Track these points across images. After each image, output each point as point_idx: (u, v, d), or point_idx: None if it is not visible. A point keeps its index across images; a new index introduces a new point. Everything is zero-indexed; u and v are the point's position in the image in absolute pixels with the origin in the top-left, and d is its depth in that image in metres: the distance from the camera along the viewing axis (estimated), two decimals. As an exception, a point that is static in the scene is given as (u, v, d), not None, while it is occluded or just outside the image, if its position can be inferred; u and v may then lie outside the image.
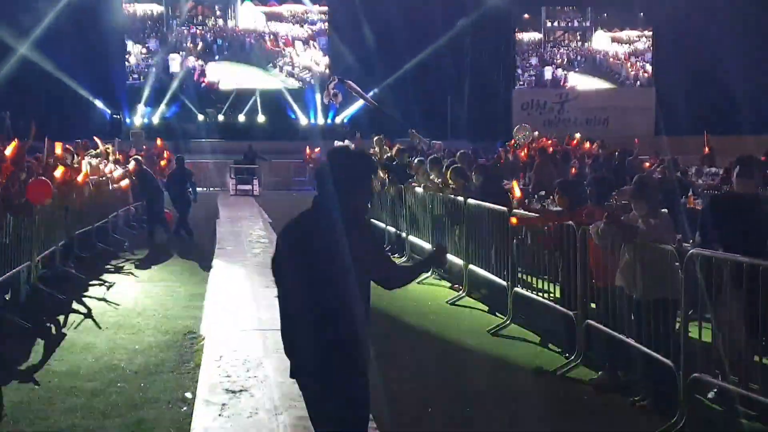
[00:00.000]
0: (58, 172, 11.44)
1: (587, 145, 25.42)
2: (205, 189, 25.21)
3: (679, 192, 11.42)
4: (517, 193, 9.12)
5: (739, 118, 27.32)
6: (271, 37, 35.68)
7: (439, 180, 11.78)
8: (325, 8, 35.61)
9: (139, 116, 32.65)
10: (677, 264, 5.85)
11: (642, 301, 6.27)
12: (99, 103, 31.71)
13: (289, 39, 35.69)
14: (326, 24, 35.69)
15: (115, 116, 30.57)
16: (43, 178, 9.72)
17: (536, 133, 24.23)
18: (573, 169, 19.41)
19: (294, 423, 5.92)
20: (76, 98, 29.80)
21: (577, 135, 26.70)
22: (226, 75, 34.89)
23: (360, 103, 31.25)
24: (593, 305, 7.25)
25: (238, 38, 35.47)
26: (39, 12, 28.47)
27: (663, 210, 6.48)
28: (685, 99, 30.34)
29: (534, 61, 37.73)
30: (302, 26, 35.83)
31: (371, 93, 30.92)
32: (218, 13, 35.36)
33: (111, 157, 17.04)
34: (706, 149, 24.20)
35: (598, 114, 36.56)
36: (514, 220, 7.97)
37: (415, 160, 13.98)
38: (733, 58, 29.26)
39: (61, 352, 7.90)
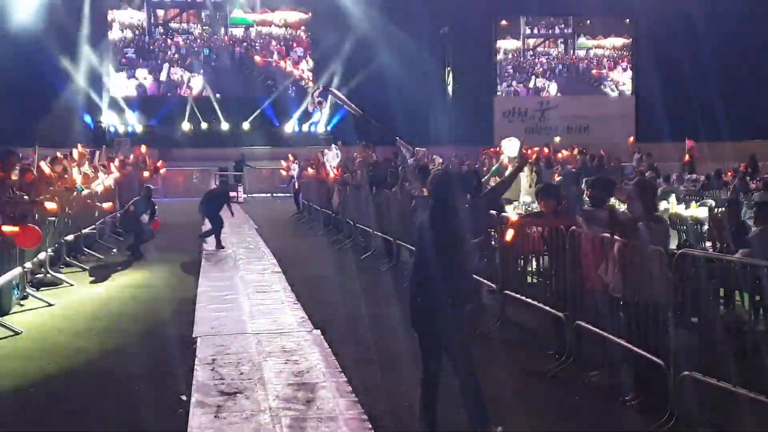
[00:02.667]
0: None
1: (564, 152, 25.72)
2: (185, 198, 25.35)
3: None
4: (513, 217, 9.11)
5: (717, 126, 27.65)
6: (259, 45, 35.71)
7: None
8: (309, 15, 35.69)
9: (123, 124, 32.55)
10: (666, 264, 5.98)
11: (632, 301, 6.40)
12: (82, 112, 31.59)
13: (275, 47, 35.74)
14: (309, 32, 35.77)
15: (99, 124, 30.47)
16: (34, 226, 9.68)
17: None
18: (555, 175, 19.67)
19: (290, 424, 5.98)
20: (59, 106, 29.67)
21: (557, 139, 26.97)
22: (210, 83, 34.85)
23: (344, 109, 31.32)
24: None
25: (227, 47, 35.46)
26: (21, 17, 28.36)
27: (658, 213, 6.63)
28: (665, 106, 30.67)
29: (511, 69, 38.02)
30: (287, 33, 35.88)
31: (354, 101, 30.98)
32: (204, 20, 35.32)
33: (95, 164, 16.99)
34: (687, 157, 24.56)
35: (578, 121, 36.88)
36: (509, 234, 8.03)
37: (401, 168, 14.19)
38: (712, 65, 29.66)
39: (53, 357, 7.90)
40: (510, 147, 11.28)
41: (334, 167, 18.93)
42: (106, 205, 15.41)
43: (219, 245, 15.51)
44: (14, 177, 10.47)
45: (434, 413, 5.50)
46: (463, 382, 5.44)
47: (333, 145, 22.16)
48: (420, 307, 5.48)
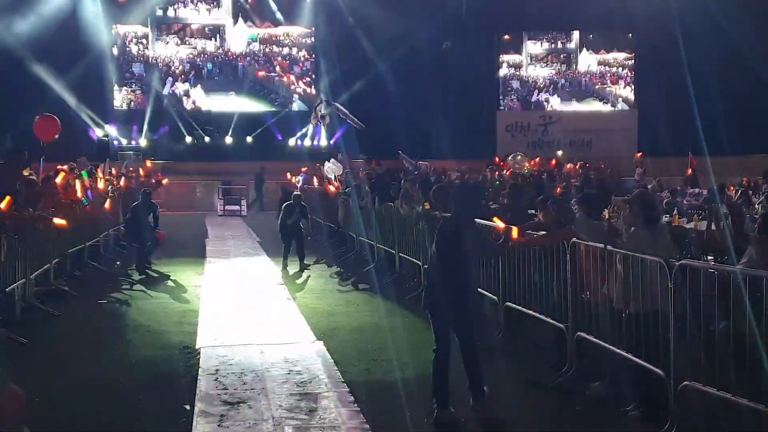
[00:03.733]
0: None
1: (569, 165, 25.79)
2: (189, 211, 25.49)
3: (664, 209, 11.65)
4: (501, 224, 9.14)
5: (720, 140, 27.70)
6: (262, 59, 35.89)
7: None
8: (311, 30, 35.85)
9: (127, 138, 32.70)
10: (665, 275, 6.02)
11: (632, 312, 6.44)
12: (89, 125, 31.73)
13: (279, 62, 35.91)
14: (312, 46, 35.93)
15: (103, 138, 30.62)
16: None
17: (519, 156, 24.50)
18: (558, 189, 19.71)
19: (294, 433, 6.05)
20: (64, 119, 29.77)
21: (559, 152, 27.04)
22: (214, 98, 34.99)
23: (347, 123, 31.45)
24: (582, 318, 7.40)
25: (230, 62, 35.62)
26: (29, 30, 28.55)
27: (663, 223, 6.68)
28: (667, 120, 30.73)
29: (516, 84, 38.15)
30: (290, 48, 36.06)
31: (356, 115, 31.13)
32: (207, 33, 35.48)
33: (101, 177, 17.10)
34: (689, 170, 24.58)
35: (581, 136, 36.96)
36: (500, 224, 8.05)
37: (403, 181, 14.30)
38: (715, 79, 29.74)
39: (57, 367, 7.95)
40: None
41: (334, 180, 19.00)
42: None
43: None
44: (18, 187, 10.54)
45: (446, 388, 6.49)
46: (467, 352, 6.56)
47: (332, 159, 22.23)
48: (438, 295, 6.57)
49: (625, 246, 6.67)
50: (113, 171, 19.05)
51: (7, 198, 9.32)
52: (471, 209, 7.01)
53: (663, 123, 30.76)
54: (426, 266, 11.56)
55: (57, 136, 11.49)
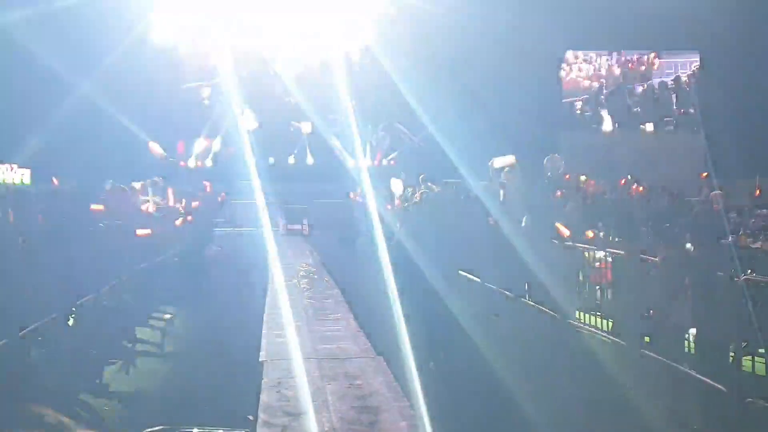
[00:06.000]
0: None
1: (633, 186, 25.38)
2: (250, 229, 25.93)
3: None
4: (566, 232, 9.25)
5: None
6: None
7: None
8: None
9: (193, 158, 33.39)
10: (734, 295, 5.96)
11: (697, 330, 6.38)
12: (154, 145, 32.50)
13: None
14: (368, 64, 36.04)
15: (170, 159, 31.33)
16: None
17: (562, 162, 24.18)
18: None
19: (354, 444, 6.13)
20: (132, 140, 30.60)
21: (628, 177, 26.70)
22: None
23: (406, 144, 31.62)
24: (647, 339, 7.34)
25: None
26: (97, 52, 29.43)
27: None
28: (734, 141, 30.09)
29: (579, 104, 37.75)
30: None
31: (417, 135, 31.28)
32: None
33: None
34: (758, 191, 23.98)
35: (645, 156, 36.34)
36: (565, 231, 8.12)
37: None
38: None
39: (126, 377, 8.19)
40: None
41: (396, 197, 19.18)
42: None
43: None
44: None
45: None
46: None
47: (397, 179, 22.37)
48: None
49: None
50: (207, 188, 19.62)
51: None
52: None
53: (730, 144, 30.16)
54: (486, 283, 11.62)
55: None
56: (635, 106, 37.52)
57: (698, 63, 37.40)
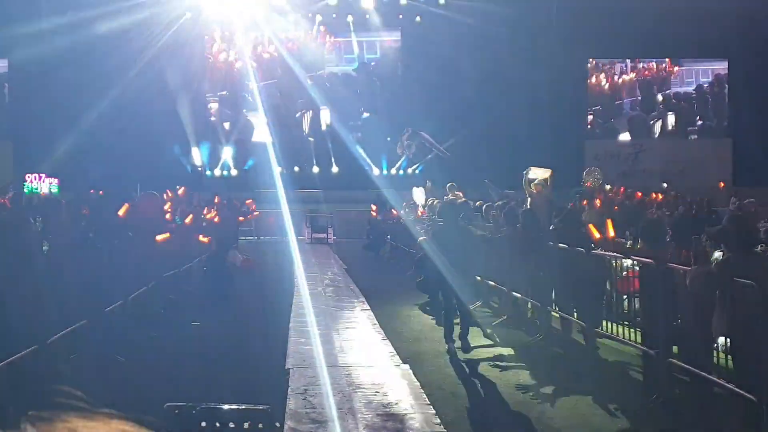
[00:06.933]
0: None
1: (656, 196, 25.22)
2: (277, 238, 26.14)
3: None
4: (596, 234, 9.25)
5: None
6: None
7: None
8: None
9: (219, 168, 33.67)
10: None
11: (727, 338, 6.31)
12: (181, 156, 32.85)
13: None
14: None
15: (198, 168, 31.62)
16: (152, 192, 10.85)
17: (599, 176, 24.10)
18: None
19: (380, 451, 6.12)
20: (159, 150, 30.95)
21: (665, 184, 26.71)
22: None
23: (431, 152, 31.61)
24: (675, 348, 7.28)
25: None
26: (125, 62, 29.86)
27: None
28: (763, 149, 29.80)
29: (605, 111, 37.55)
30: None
31: (444, 144, 31.29)
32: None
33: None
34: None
35: (673, 165, 36.06)
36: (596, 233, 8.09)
37: (485, 205, 14.66)
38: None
39: (152, 385, 8.24)
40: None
41: (420, 206, 19.22)
42: (204, 239, 15.96)
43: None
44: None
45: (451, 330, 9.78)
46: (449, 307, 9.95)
47: (419, 187, 22.41)
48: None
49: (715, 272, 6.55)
50: (216, 199, 19.77)
51: (125, 205, 9.97)
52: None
53: (759, 151, 29.86)
54: (513, 292, 11.58)
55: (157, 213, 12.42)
56: (659, 116, 37.29)
57: (725, 70, 37.13)
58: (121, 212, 10.15)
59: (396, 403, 7.41)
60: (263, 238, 26.97)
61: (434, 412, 7.13)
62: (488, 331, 10.60)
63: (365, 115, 35.43)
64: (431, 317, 12.29)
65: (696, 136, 37.40)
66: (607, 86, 37.45)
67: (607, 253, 8.76)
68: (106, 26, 29.55)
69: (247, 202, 24.47)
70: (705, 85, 37.36)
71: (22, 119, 31.19)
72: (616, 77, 37.53)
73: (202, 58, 34.43)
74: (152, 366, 9.17)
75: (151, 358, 9.61)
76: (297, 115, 35.29)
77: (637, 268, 8.17)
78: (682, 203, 21.29)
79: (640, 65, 37.52)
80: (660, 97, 37.31)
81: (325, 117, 34.67)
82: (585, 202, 19.76)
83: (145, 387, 8.09)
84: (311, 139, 35.01)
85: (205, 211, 17.14)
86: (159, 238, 11.31)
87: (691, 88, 37.47)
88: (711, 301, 6.59)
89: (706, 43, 34.04)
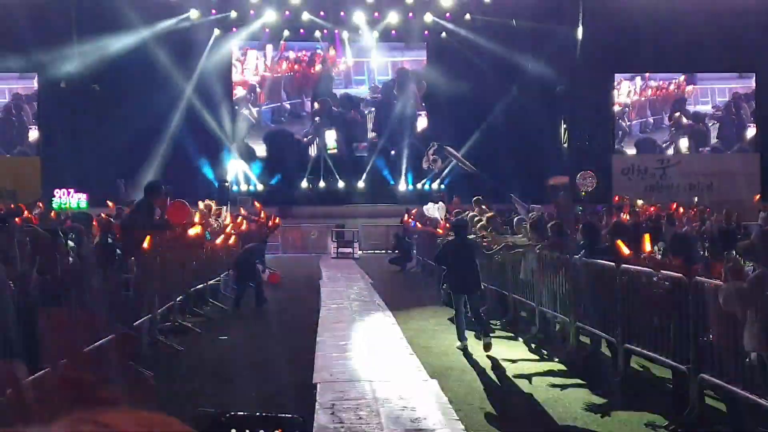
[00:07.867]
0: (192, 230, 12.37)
1: (681, 210, 25.02)
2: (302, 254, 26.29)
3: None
4: (625, 251, 9.14)
5: None
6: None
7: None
8: (423, 86, 35.91)
9: (246, 183, 33.86)
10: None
11: (760, 354, 6.21)
12: (207, 170, 33.11)
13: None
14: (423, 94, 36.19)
15: (224, 183, 31.79)
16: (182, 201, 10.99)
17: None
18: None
19: (408, 466, 6.08)
20: (185, 165, 31.23)
21: (695, 198, 26.59)
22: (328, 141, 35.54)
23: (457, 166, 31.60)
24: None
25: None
26: (152, 79, 30.21)
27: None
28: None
29: (634, 126, 37.33)
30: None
31: (468, 158, 31.26)
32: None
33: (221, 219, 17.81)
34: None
35: (701, 179, 35.73)
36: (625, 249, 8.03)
37: (516, 218, 14.66)
38: None
39: (179, 400, 8.26)
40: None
41: (440, 220, 19.25)
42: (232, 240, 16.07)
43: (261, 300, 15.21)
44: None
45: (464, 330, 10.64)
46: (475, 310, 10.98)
47: (434, 203, 22.55)
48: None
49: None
50: (242, 211, 19.92)
51: (148, 238, 10.01)
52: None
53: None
54: (541, 307, 11.51)
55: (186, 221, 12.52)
56: (683, 133, 37.03)
57: (743, 89, 36.86)
58: (145, 244, 10.18)
59: (424, 418, 7.37)
60: (289, 254, 27.06)
61: (463, 427, 7.08)
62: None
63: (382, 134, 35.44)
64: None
65: (731, 149, 37.10)
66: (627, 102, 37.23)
67: (637, 267, 8.66)
68: (134, 44, 29.98)
69: (273, 219, 24.49)
70: (721, 106, 37.08)
71: (50, 135, 31.60)
72: (629, 95, 37.30)
73: (229, 73, 34.69)
74: (179, 381, 9.20)
75: (179, 373, 9.64)
76: (319, 131, 35.42)
77: (668, 283, 8.07)
78: (710, 217, 21.09)
79: (652, 83, 37.27)
80: (675, 116, 37.07)
81: (346, 134, 34.99)
82: (614, 217, 19.67)
83: (172, 402, 8.11)
84: (334, 153, 35.08)
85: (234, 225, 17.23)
86: (191, 233, 11.54)
87: (708, 107, 37.23)
88: (743, 316, 6.50)
89: (731, 58, 33.80)
